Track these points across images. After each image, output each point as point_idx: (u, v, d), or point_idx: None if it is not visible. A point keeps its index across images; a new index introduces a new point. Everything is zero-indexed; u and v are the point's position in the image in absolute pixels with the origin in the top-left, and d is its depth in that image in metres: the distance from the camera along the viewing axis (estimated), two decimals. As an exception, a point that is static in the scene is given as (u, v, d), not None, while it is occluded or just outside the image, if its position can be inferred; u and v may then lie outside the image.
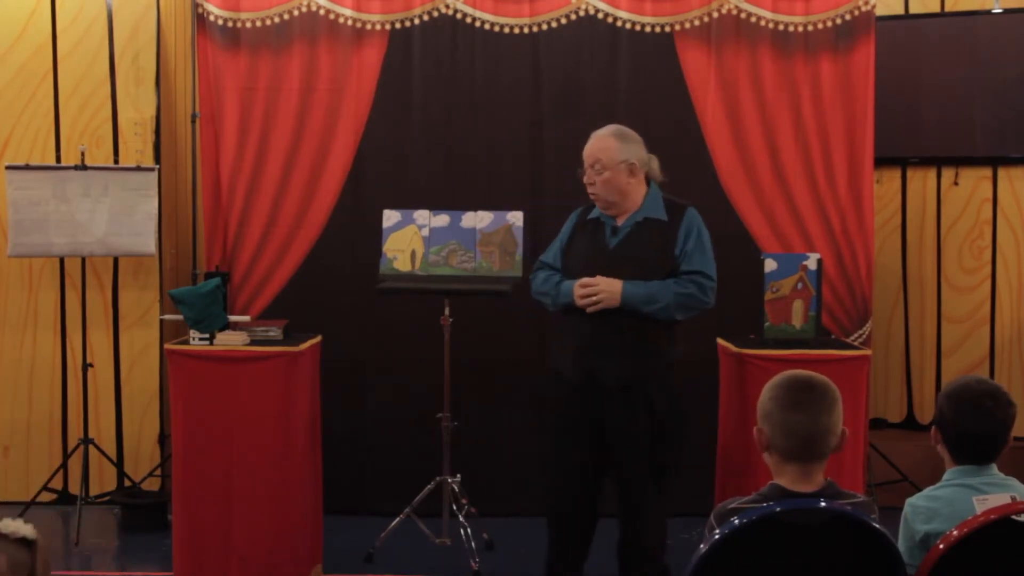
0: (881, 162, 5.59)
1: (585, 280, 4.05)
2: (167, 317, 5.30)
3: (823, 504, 2.40)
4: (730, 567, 2.29)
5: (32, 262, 5.70)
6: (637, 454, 4.07)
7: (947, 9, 5.94)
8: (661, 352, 4.11)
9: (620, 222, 4.16)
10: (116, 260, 5.71)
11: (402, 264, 4.97)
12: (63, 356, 5.75)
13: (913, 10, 5.98)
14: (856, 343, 5.17)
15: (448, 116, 5.52)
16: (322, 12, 5.38)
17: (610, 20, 5.41)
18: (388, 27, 5.42)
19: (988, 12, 5.82)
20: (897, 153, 5.89)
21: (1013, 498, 2.60)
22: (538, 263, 4.37)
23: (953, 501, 2.66)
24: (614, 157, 4.12)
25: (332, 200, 5.41)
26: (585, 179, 4.16)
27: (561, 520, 4.21)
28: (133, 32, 5.71)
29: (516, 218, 4.95)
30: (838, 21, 5.32)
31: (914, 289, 6.06)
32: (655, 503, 4.12)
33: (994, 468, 2.73)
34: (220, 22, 5.37)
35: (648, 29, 5.40)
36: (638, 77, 5.45)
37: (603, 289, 4.01)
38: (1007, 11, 5.79)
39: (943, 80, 5.84)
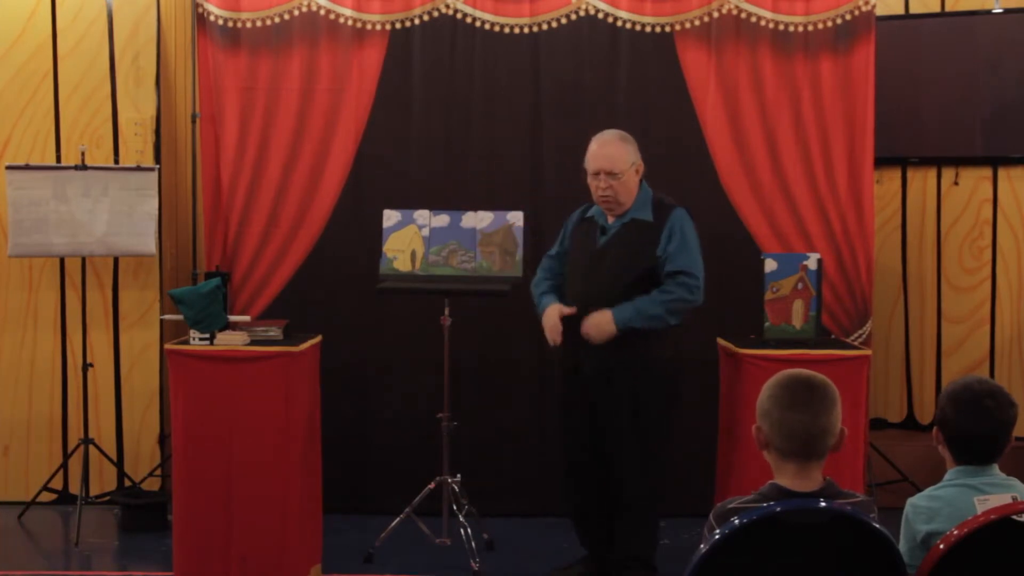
0: (881, 162, 5.59)
1: (582, 327, 4.28)
2: (167, 317, 5.30)
3: (823, 504, 2.40)
4: (730, 567, 2.28)
5: (32, 262, 5.70)
6: (621, 440, 4.33)
7: (947, 9, 5.93)
8: (644, 344, 4.28)
9: (611, 221, 4.41)
10: (116, 260, 5.70)
11: (402, 264, 4.97)
12: (63, 356, 5.74)
13: (913, 10, 5.97)
14: (856, 343, 5.17)
15: (448, 116, 5.52)
16: (322, 12, 5.37)
17: (610, 20, 5.41)
18: (388, 27, 5.42)
19: (988, 12, 5.81)
20: (897, 153, 5.88)
21: (1014, 498, 2.60)
22: (545, 257, 4.66)
23: (954, 501, 2.66)
24: (627, 161, 4.36)
25: (332, 200, 5.41)
26: (599, 184, 4.34)
27: (575, 481, 4.50)
28: (133, 32, 5.70)
29: (516, 218, 4.95)
30: (838, 21, 5.31)
31: (914, 289, 6.05)
32: (643, 494, 4.35)
33: (995, 468, 2.73)
34: (220, 22, 5.37)
35: (648, 29, 5.40)
36: (638, 77, 5.45)
37: (591, 326, 4.26)
38: (1007, 11, 5.78)
39: (943, 80, 5.83)
